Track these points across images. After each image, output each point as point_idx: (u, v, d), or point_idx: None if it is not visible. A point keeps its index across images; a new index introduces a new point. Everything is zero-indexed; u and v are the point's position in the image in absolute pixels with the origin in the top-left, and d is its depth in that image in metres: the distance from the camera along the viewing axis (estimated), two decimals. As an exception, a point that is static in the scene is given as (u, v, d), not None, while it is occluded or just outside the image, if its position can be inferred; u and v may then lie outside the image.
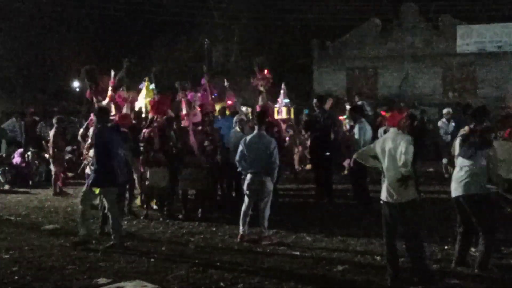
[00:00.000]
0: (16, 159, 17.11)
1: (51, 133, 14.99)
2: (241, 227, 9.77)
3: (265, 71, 13.91)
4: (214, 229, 10.62)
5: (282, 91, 14.90)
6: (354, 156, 8.00)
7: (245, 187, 9.82)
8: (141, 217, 11.69)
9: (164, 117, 12.33)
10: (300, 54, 33.19)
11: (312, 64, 31.99)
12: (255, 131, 9.98)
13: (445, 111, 18.34)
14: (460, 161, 7.91)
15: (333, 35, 32.35)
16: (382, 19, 31.95)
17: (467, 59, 30.61)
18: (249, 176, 9.71)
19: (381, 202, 7.41)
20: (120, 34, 33.58)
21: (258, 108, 13.19)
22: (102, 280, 7.60)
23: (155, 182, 11.76)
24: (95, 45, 32.44)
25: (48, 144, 15.02)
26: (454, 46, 30.19)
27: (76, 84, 13.64)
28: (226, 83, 15.33)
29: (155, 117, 12.35)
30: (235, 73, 30.53)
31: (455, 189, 7.83)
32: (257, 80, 13.72)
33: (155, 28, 33.96)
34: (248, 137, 9.96)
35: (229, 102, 14.78)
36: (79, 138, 12.94)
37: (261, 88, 13.54)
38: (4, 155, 17.73)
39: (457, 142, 8.59)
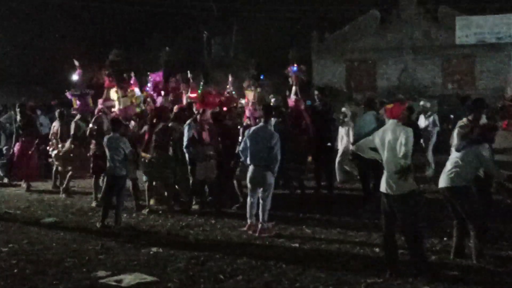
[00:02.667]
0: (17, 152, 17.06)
1: (56, 127, 14.35)
2: (248, 220, 9.82)
3: (296, 65, 13.98)
4: (213, 221, 10.63)
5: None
6: (353, 148, 7.99)
7: (247, 179, 9.86)
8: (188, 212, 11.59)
9: (210, 110, 12.26)
10: (299, 46, 33.17)
11: (311, 56, 31.95)
12: (261, 124, 10.02)
13: (421, 103, 16.73)
14: (452, 153, 7.99)
15: (332, 27, 32.34)
16: (381, 10, 31.91)
17: (467, 51, 30.62)
18: (251, 168, 9.77)
19: (380, 193, 7.41)
20: (119, 26, 33.55)
21: (290, 102, 13.16)
22: (101, 273, 7.61)
23: (206, 176, 11.72)
24: (93, 37, 32.40)
25: (52, 138, 14.63)
26: (453, 38, 30.18)
27: (75, 77, 13.56)
28: (230, 78, 15.26)
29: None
30: (234, 65, 30.48)
31: (440, 181, 8.02)
32: (289, 73, 13.74)
33: (154, 20, 33.90)
34: (252, 129, 10.02)
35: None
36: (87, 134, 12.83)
37: (294, 80, 13.53)
38: (3, 148, 17.67)
39: (455, 132, 8.60)
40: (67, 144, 13.68)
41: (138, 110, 13.47)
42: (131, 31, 33.91)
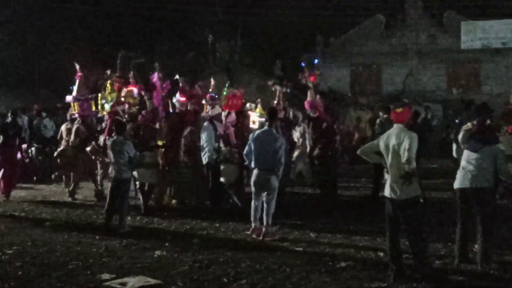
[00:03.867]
0: (19, 155, 17.10)
1: (72, 131, 13.77)
2: (252, 223, 9.81)
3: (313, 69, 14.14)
4: (217, 225, 10.63)
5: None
6: (358, 152, 7.98)
7: (251, 182, 9.87)
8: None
9: (234, 112, 12.35)
10: (304, 50, 33.19)
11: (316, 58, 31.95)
12: (265, 127, 9.98)
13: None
14: (466, 155, 7.95)
15: (337, 31, 32.33)
16: (386, 15, 31.90)
17: (472, 55, 30.57)
18: (255, 171, 9.76)
19: (385, 198, 7.41)
20: (124, 30, 33.61)
21: (306, 104, 13.21)
22: (105, 276, 7.61)
23: (230, 179, 11.75)
24: (98, 40, 32.46)
25: (64, 142, 14.21)
26: (459, 42, 30.14)
27: (77, 81, 13.60)
28: (212, 82, 15.13)
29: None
30: (239, 69, 30.55)
31: (461, 181, 7.93)
32: (305, 76, 13.79)
33: (158, 24, 33.95)
34: (257, 132, 10.02)
35: (182, 99, 14.63)
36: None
37: (310, 84, 13.59)
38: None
39: (460, 136, 8.60)
40: (62, 147, 13.78)
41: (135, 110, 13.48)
42: (136, 35, 33.95)
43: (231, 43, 34.70)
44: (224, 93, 12.83)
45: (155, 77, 13.42)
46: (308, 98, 13.20)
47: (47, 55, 32.51)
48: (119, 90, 13.18)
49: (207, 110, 13.40)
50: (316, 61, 13.89)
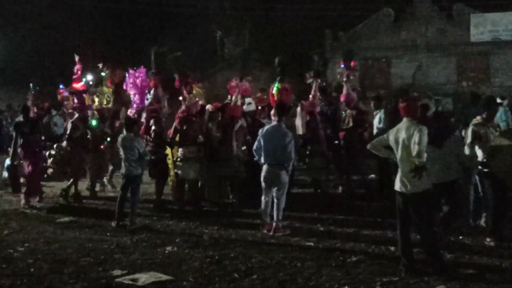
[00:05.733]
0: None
1: (73, 130, 12.99)
2: (264, 219, 9.79)
3: (352, 63, 14.21)
4: (227, 220, 10.64)
5: None
6: (368, 146, 7.97)
7: (261, 178, 9.82)
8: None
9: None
10: (312, 45, 33.11)
11: (325, 54, 31.87)
12: (274, 122, 9.94)
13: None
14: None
15: (346, 25, 32.23)
16: (395, 8, 31.77)
17: (481, 48, 30.40)
18: (265, 167, 9.74)
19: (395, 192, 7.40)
20: (132, 26, 33.65)
21: (342, 98, 13.37)
22: (117, 272, 7.65)
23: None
24: (107, 37, 32.52)
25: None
26: (468, 35, 30.00)
27: (89, 77, 13.48)
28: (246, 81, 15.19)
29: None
30: (247, 64, 30.43)
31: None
32: (343, 70, 13.93)
33: (167, 19, 33.94)
34: (266, 128, 9.98)
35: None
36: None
37: (344, 78, 13.70)
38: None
39: (469, 130, 8.58)
40: (63, 145, 13.45)
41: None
42: (144, 31, 33.96)
43: (239, 38, 34.66)
44: (275, 87, 12.74)
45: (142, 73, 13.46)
46: (344, 92, 13.43)
47: (54, 53, 32.57)
48: (156, 87, 13.05)
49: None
50: (353, 64, 14.20)
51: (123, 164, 10.56)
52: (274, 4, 33.30)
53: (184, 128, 11.80)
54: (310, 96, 13.28)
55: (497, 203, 8.44)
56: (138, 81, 13.36)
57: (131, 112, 13.48)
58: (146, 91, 13.31)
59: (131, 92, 13.60)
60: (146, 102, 13.23)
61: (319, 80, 13.54)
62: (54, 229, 10.33)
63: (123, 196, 10.60)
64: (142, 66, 13.61)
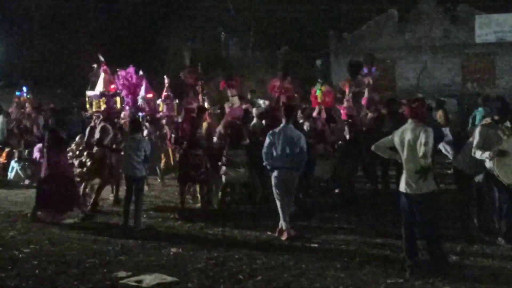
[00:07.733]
0: (36, 154, 17.17)
1: (104, 134, 11.89)
2: (283, 223, 9.41)
3: (372, 67, 14.37)
4: (232, 222, 10.63)
5: None
6: (372, 147, 7.96)
7: (273, 183, 9.57)
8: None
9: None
10: (317, 46, 33.13)
11: (329, 55, 31.89)
12: (283, 124, 9.65)
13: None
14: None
15: (350, 26, 32.23)
16: (400, 9, 31.74)
17: (486, 49, 30.34)
18: (276, 171, 9.46)
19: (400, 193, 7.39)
20: (135, 27, 33.69)
21: (363, 101, 13.48)
22: (121, 274, 7.66)
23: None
24: (111, 38, 32.54)
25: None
26: (473, 36, 29.94)
27: (100, 74, 13.26)
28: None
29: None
30: (252, 66, 30.50)
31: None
32: (365, 75, 14.02)
33: (171, 19, 33.99)
34: (277, 130, 9.60)
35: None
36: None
37: (367, 82, 13.88)
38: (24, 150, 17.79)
39: (477, 131, 8.52)
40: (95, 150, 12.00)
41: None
42: (148, 31, 34.00)
43: (243, 39, 34.72)
44: (318, 89, 12.68)
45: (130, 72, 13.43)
46: (366, 95, 13.68)
47: (61, 54, 32.62)
48: (193, 86, 12.99)
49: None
50: (374, 69, 14.36)
51: (127, 165, 10.54)
52: (278, 5, 33.29)
53: (229, 132, 11.67)
54: (345, 100, 13.32)
55: (510, 204, 8.41)
56: (126, 81, 13.30)
57: (124, 113, 13.36)
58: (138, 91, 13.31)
59: (123, 93, 13.36)
60: (140, 102, 13.25)
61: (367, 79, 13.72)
62: (59, 230, 10.33)
63: (128, 197, 10.59)
64: (130, 65, 13.51)
